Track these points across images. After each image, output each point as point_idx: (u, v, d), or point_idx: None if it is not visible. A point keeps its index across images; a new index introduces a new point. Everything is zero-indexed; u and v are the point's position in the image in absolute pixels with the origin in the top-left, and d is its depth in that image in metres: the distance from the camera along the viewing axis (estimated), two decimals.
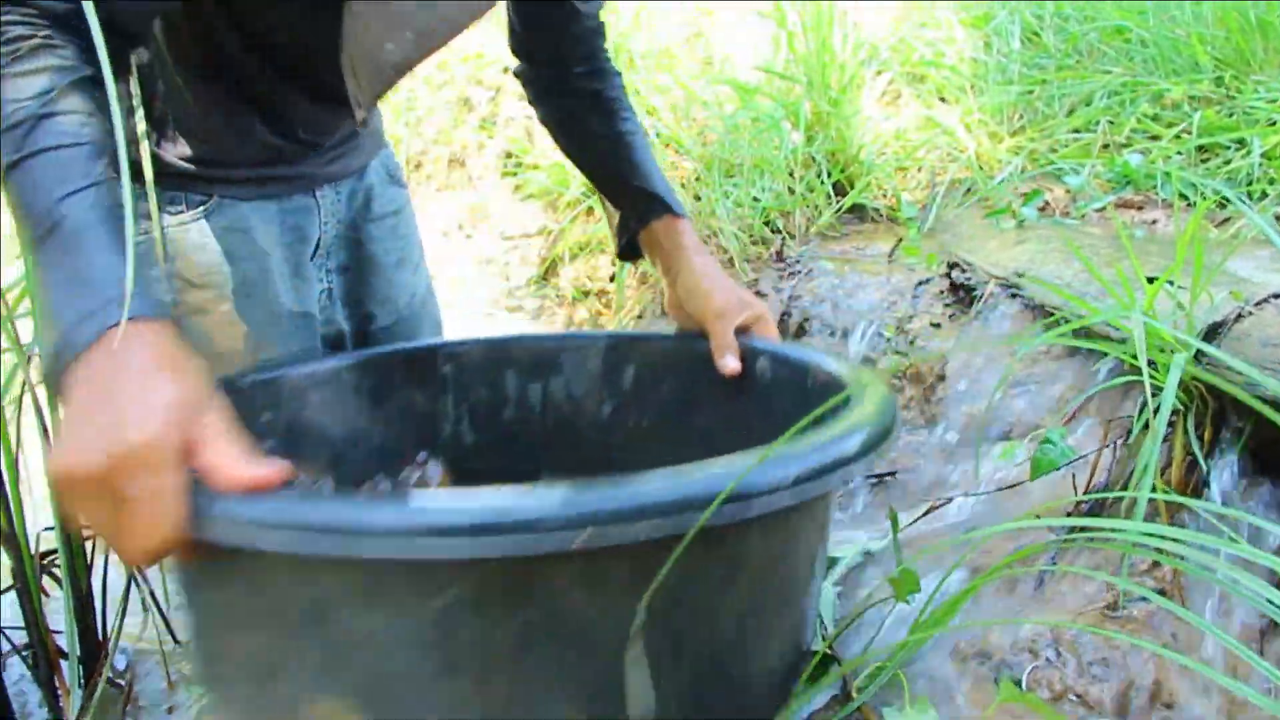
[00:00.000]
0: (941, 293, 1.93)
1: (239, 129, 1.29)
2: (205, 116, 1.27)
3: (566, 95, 1.39)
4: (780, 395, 1.00)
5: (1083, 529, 1.24)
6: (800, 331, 2.04)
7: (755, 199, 2.45)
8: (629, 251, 1.39)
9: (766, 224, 2.43)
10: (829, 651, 1.21)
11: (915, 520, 1.46)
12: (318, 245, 1.43)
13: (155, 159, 1.24)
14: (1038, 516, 1.38)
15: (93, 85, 0.88)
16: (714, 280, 1.27)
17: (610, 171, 1.39)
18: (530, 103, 1.45)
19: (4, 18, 0.90)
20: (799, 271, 2.18)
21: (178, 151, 1.29)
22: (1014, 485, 1.42)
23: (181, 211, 1.31)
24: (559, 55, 1.38)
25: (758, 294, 2.20)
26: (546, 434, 1.20)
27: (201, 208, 1.31)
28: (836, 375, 0.92)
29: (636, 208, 1.35)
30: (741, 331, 1.21)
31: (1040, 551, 1.24)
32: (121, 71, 1.00)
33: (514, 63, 1.47)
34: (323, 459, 1.16)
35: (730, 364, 1.16)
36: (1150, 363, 1.23)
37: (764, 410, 1.04)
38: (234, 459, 0.75)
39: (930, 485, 1.62)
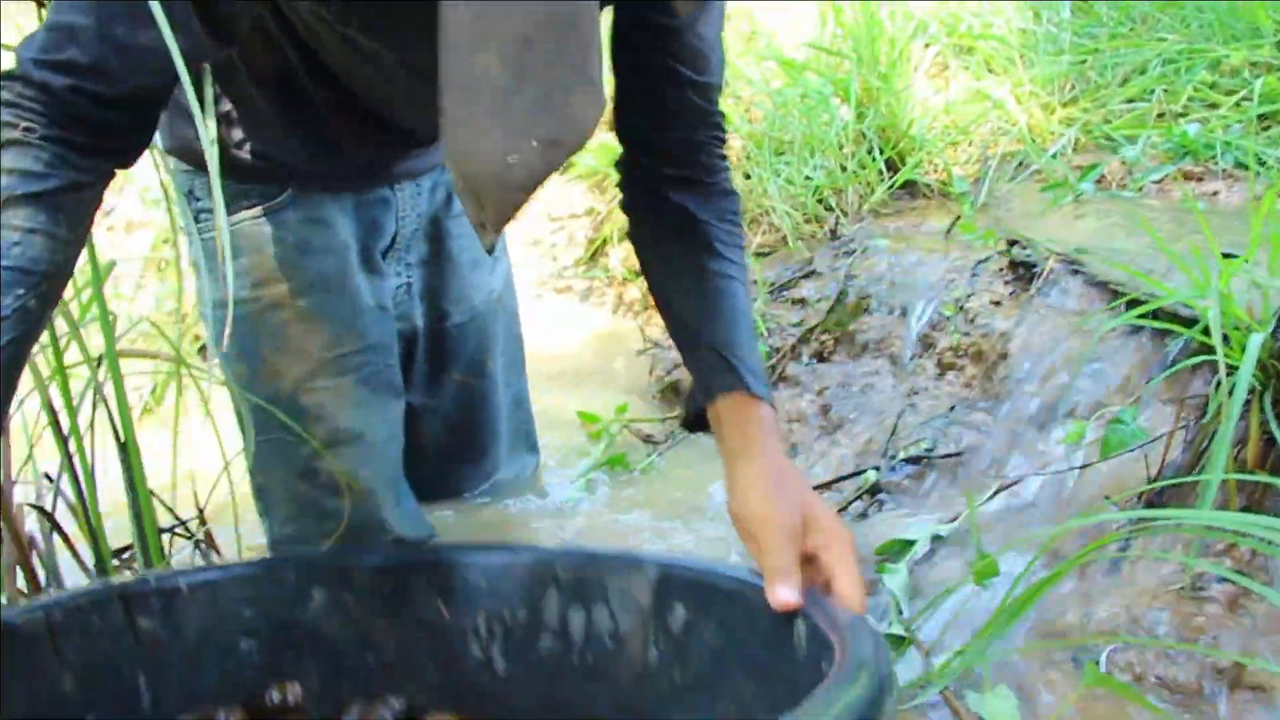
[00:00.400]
0: (1001, 270, 1.92)
1: (312, 145, 1.27)
2: (277, 126, 1.25)
3: (657, 208, 1.16)
4: (813, 676, 0.80)
5: (1153, 520, 1.23)
6: (858, 310, 2.04)
7: (807, 177, 2.44)
8: (698, 423, 1.20)
9: (819, 202, 2.42)
10: (906, 634, 1.21)
11: (984, 501, 1.45)
12: (394, 239, 1.42)
13: (224, 152, 1.23)
14: (1106, 498, 1.38)
15: (52, 197, 0.85)
16: (782, 486, 1.00)
17: (687, 320, 1.13)
18: (622, 208, 1.22)
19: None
20: (854, 250, 2.17)
21: (248, 148, 1.28)
22: (1084, 466, 1.42)
23: (253, 205, 1.30)
24: (656, 135, 1.16)
25: (813, 274, 2.20)
26: (585, 671, 1.00)
27: (274, 201, 1.30)
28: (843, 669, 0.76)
29: (707, 374, 1.10)
30: (809, 560, 0.94)
31: (1116, 539, 1.23)
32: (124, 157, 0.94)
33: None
34: (316, 669, 1.05)
35: (783, 595, 0.89)
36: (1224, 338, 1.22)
37: (797, 693, 0.82)
38: None
39: (995, 465, 1.62)
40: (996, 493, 1.45)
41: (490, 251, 0.93)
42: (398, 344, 1.46)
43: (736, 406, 1.06)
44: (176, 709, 1.00)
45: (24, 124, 0.85)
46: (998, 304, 1.85)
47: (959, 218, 2.17)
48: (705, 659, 0.93)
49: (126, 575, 1.35)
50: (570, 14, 0.78)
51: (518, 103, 0.78)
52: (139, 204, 3.24)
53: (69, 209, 0.87)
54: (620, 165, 1.21)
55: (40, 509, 1.24)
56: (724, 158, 1.17)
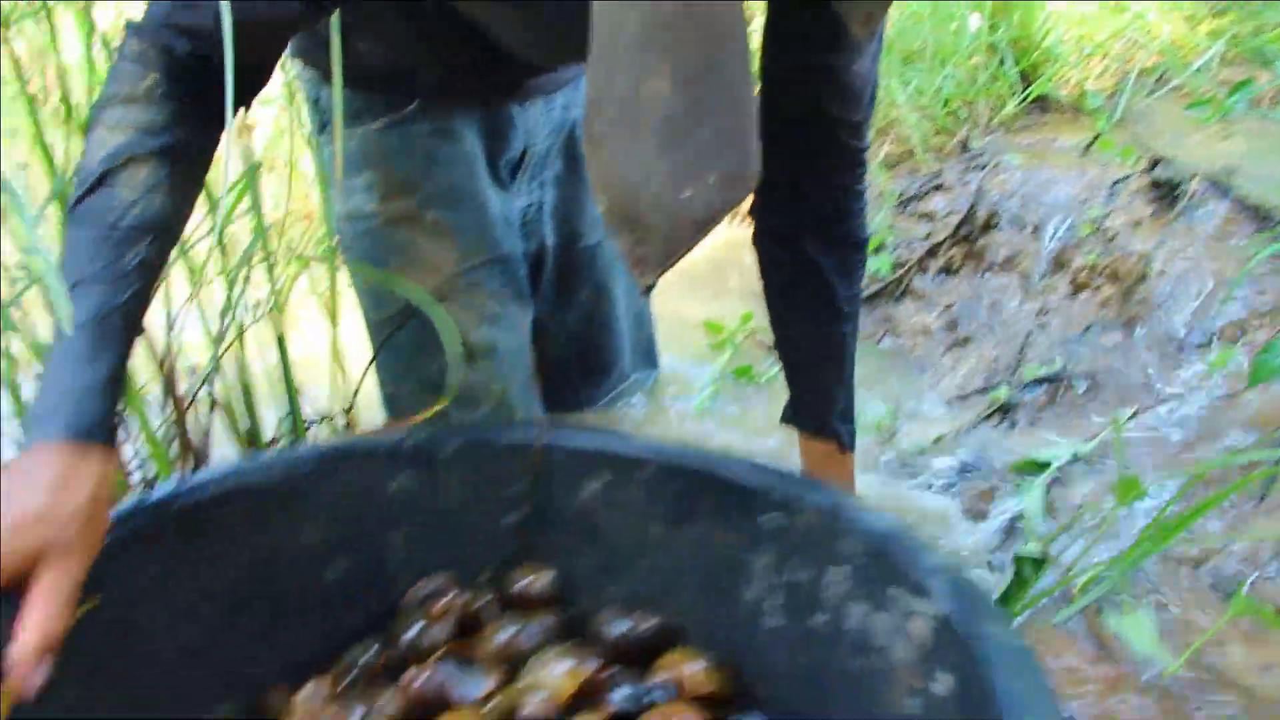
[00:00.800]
0: (1141, 190, 1.86)
1: (432, 56, 1.24)
2: (396, 35, 1.22)
3: (789, 255, 1.13)
4: None
5: None
6: (987, 226, 2.00)
7: (937, 88, 2.38)
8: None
9: (949, 113, 2.37)
10: (1044, 554, 1.22)
11: (1126, 421, 1.44)
12: (524, 155, 1.40)
13: (348, 60, 1.19)
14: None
15: (171, 154, 0.86)
16: None
17: (798, 363, 1.18)
18: (753, 238, 1.17)
19: (126, 45, 0.88)
20: (985, 164, 2.12)
21: (375, 58, 1.25)
22: (1232, 395, 1.39)
23: (379, 116, 1.27)
24: (797, 175, 1.09)
25: (942, 187, 2.16)
26: (844, 679, 0.84)
27: (401, 112, 1.28)
28: None
29: (808, 415, 1.18)
30: None
31: (1265, 475, 1.21)
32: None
33: None
34: (579, 560, 0.98)
35: None
36: None
37: None
38: (30, 629, 0.72)
39: (1130, 388, 1.59)
40: (1135, 415, 1.43)
41: (647, 292, 0.87)
42: (525, 262, 1.44)
43: (826, 453, 1.17)
44: (426, 571, 0.99)
45: (146, 81, 0.87)
46: (1137, 224, 1.80)
47: (1098, 135, 2.10)
48: None
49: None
50: (742, 34, 0.71)
51: (697, 134, 0.71)
52: (254, 104, 3.28)
53: (189, 163, 0.89)
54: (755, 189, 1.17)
55: (211, 400, 1.29)
56: (861, 195, 1.12)
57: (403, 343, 1.33)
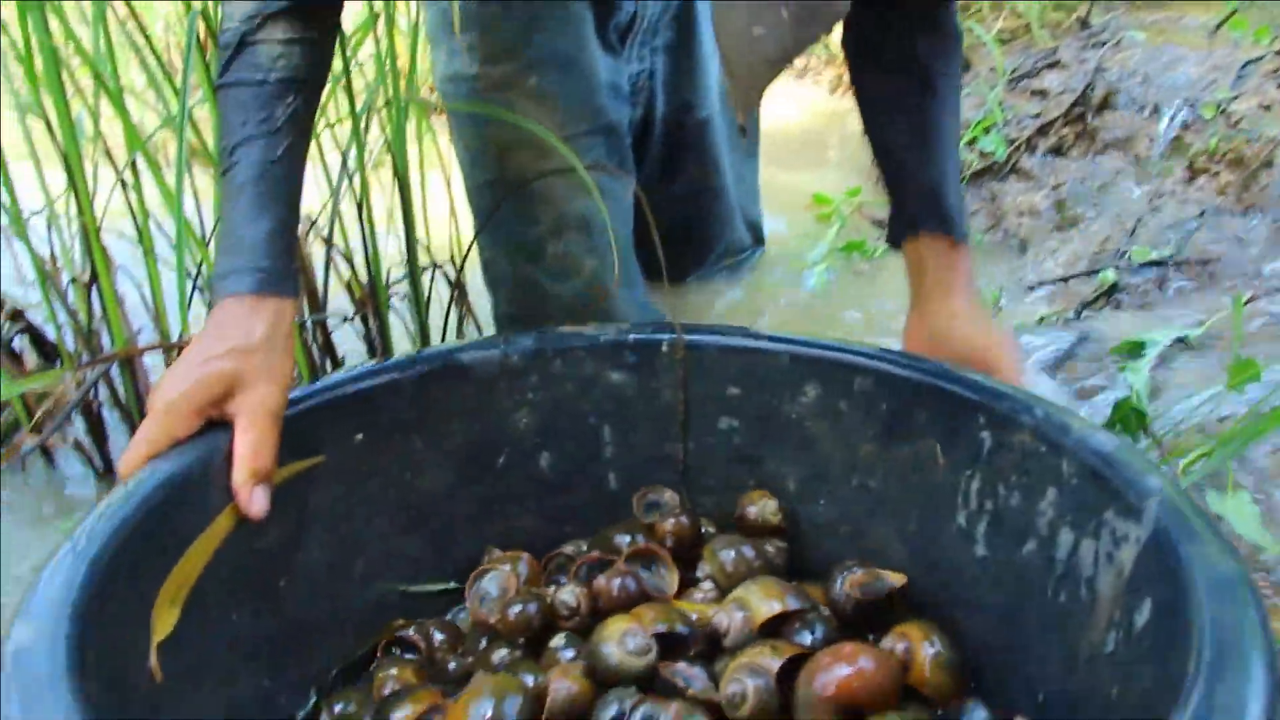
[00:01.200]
0: (1274, 71, 1.78)
1: None
2: None
3: (880, 42, 1.10)
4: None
5: None
6: (1103, 106, 1.93)
7: None
8: (897, 245, 1.16)
9: None
10: (1145, 421, 1.20)
11: (1245, 303, 1.40)
12: (634, 20, 1.35)
13: None
14: None
15: (302, 9, 0.87)
16: (985, 318, 1.04)
17: (898, 156, 1.12)
18: (842, 44, 1.15)
19: None
20: (1105, 41, 2.04)
21: None
22: None
23: None
24: None
25: (1057, 64, 2.09)
26: (1048, 612, 0.78)
27: None
28: None
29: (914, 211, 1.10)
30: None
31: None
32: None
33: None
34: (795, 473, 0.96)
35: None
36: None
37: None
38: (240, 459, 0.77)
39: (1242, 275, 1.55)
40: (1249, 300, 1.40)
41: (743, 132, 0.83)
42: (631, 131, 1.40)
43: (939, 248, 1.07)
44: (638, 468, 0.99)
45: None
46: (1267, 108, 1.73)
47: (1232, 13, 2.00)
48: (1153, 686, 0.64)
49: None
50: None
51: None
52: None
53: (319, 17, 0.89)
54: None
55: (326, 239, 1.32)
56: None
57: (501, 208, 1.32)
